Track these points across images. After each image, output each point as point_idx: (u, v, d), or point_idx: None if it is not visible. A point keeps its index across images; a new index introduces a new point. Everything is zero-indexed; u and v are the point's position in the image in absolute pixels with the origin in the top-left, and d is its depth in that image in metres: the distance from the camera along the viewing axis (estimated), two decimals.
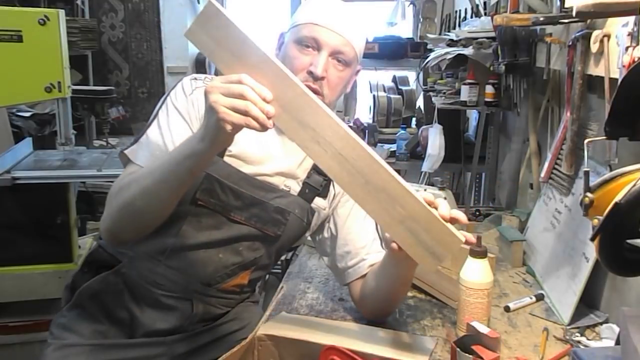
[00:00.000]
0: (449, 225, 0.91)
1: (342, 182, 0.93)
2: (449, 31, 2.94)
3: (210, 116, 0.85)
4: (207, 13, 0.84)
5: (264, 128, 0.84)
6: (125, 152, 1.09)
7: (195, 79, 1.15)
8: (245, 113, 0.82)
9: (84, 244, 2.36)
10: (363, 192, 0.91)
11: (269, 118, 0.84)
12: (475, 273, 1.11)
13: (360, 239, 1.19)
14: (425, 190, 1.79)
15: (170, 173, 0.95)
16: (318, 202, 1.19)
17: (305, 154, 0.94)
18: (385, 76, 3.98)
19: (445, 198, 1.86)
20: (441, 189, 1.90)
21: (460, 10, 2.94)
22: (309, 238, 1.30)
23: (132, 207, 1.01)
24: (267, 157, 1.14)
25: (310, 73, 1.09)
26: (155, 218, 1.04)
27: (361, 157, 0.88)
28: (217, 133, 0.86)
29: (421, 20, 3.77)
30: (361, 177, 0.89)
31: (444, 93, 2.62)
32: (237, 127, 0.84)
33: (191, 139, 0.93)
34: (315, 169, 1.19)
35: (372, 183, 0.89)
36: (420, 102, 3.69)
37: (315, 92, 1.10)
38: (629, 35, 0.99)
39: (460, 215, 0.95)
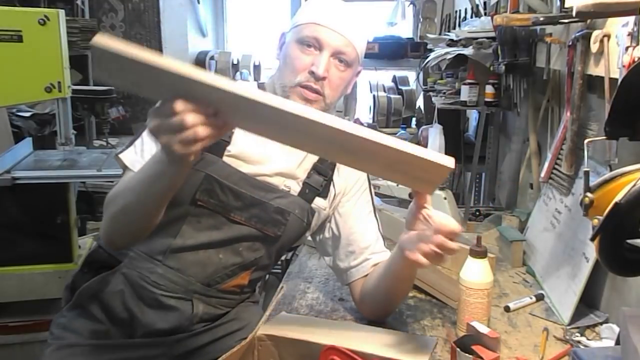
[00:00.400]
0: (432, 158, 0.85)
1: (319, 153, 0.94)
2: (449, 31, 2.94)
3: (169, 154, 0.84)
4: (97, 54, 0.73)
5: (221, 137, 0.84)
6: (120, 156, 1.10)
7: None
8: (196, 141, 0.80)
9: (84, 244, 2.36)
10: (344, 156, 0.91)
11: (222, 128, 0.82)
12: (475, 273, 1.11)
13: (363, 239, 1.19)
14: None
15: (146, 194, 0.97)
16: (318, 202, 1.19)
17: (285, 144, 0.94)
18: (385, 76, 3.97)
19: (445, 198, 1.87)
20: (441, 189, 1.90)
21: (460, 10, 2.94)
22: (309, 238, 1.30)
23: (120, 220, 1.03)
24: (267, 157, 1.14)
25: (311, 73, 1.09)
26: (144, 228, 1.05)
27: (319, 129, 0.80)
28: (183, 162, 0.87)
29: (421, 20, 3.76)
30: (334, 145, 0.86)
31: (444, 93, 2.62)
32: (198, 152, 0.83)
33: (161, 161, 0.90)
34: (315, 169, 1.19)
35: (346, 147, 0.85)
36: (420, 102, 3.69)
37: (316, 92, 1.10)
38: (629, 35, 0.99)
39: (452, 224, 0.94)
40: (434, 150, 0.88)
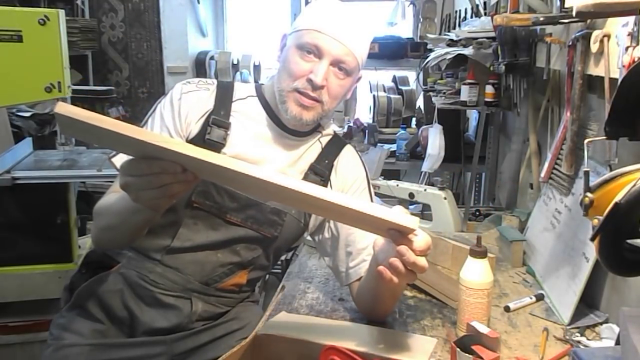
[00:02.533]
0: (397, 220, 0.85)
1: (291, 205, 1.06)
2: (449, 31, 2.94)
3: (141, 205, 0.88)
4: (60, 120, 0.76)
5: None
6: (113, 160, 1.10)
7: (189, 82, 1.16)
8: (166, 197, 0.84)
9: (84, 244, 2.36)
10: (313, 209, 1.00)
11: (191, 182, 0.85)
12: (475, 273, 1.11)
13: (362, 240, 1.19)
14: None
15: (126, 221, 0.99)
16: None
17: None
18: (385, 76, 3.97)
19: (445, 198, 1.87)
20: (441, 189, 1.90)
21: (460, 10, 2.94)
22: (308, 238, 1.30)
23: (107, 233, 1.07)
24: (262, 159, 1.14)
25: (309, 81, 1.08)
26: (131, 240, 1.09)
27: (283, 189, 0.80)
28: (156, 210, 0.92)
29: (421, 20, 3.76)
30: (304, 203, 0.90)
31: (444, 93, 2.61)
32: (171, 203, 0.89)
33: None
34: (312, 170, 1.19)
35: (314, 205, 0.89)
36: (420, 102, 3.69)
37: (313, 99, 1.09)
38: (629, 35, 0.99)
39: (420, 264, 0.89)
40: (397, 211, 0.87)
